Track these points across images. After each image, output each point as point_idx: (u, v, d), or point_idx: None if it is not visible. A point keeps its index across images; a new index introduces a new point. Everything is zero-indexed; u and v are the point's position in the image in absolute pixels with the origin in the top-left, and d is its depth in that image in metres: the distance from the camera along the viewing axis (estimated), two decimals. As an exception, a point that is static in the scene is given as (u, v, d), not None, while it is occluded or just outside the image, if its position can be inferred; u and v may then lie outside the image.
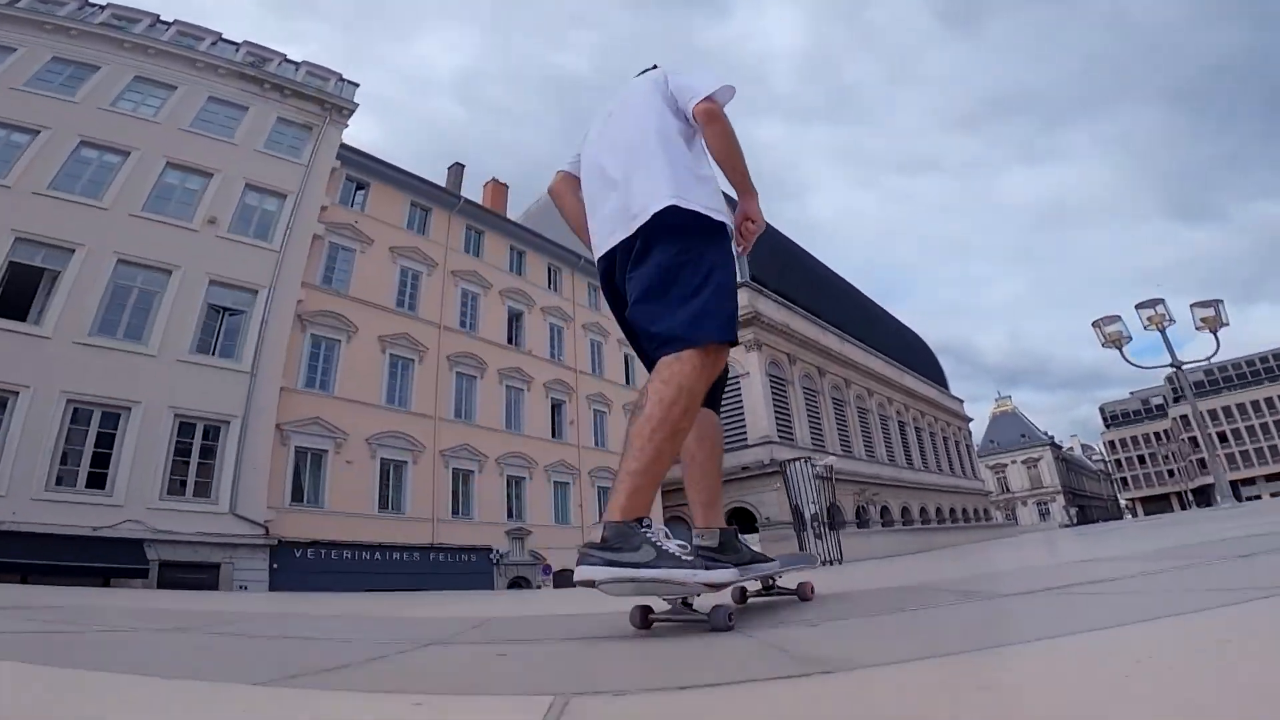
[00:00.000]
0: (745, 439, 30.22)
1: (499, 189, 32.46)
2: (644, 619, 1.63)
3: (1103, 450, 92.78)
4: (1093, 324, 14.18)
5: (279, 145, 19.15)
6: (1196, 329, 12.83)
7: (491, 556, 20.71)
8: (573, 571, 1.61)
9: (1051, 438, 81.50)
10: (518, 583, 22.50)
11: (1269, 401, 71.09)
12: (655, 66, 2.16)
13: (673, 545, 1.54)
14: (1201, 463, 73.95)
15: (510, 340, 24.32)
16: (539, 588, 22.45)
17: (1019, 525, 56.34)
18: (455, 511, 20.04)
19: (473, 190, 29.50)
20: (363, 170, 21.39)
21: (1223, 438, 72.46)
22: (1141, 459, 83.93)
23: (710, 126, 1.87)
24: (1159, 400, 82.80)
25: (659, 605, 1.64)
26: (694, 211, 1.75)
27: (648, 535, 1.51)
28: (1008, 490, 78.23)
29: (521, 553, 22.17)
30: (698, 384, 1.63)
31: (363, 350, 18.56)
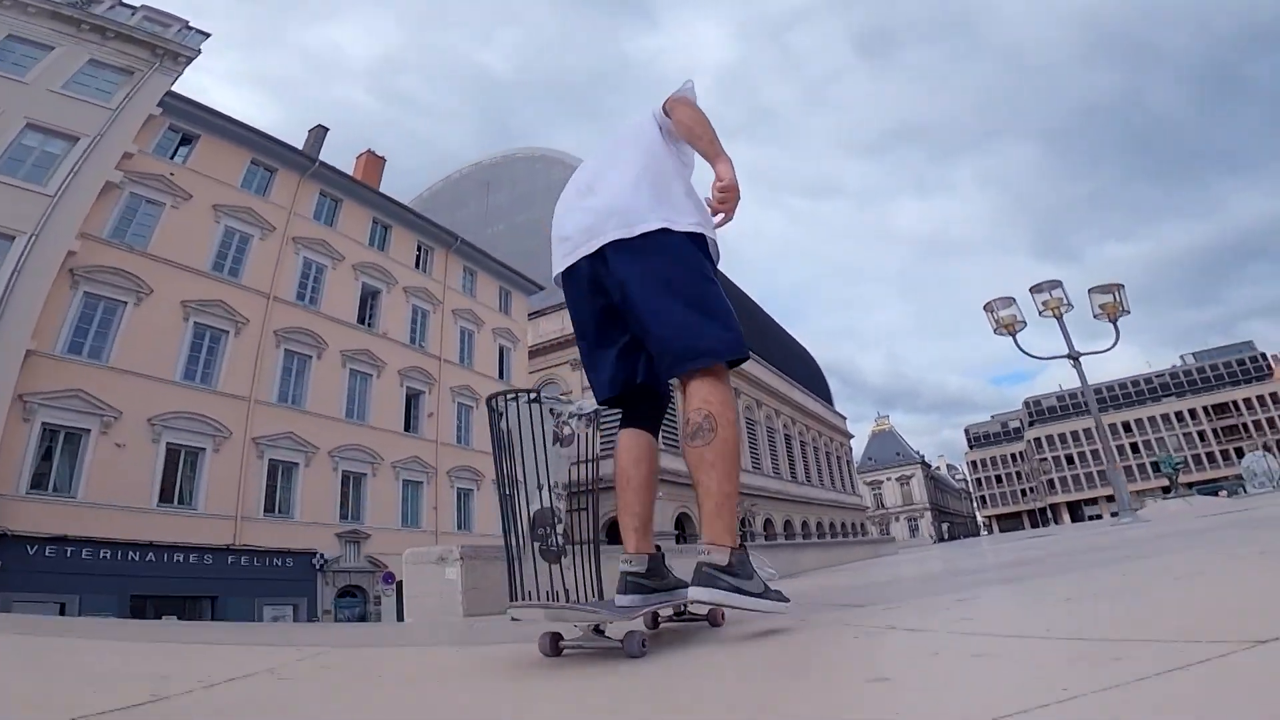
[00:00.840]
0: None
1: (374, 161, 29.71)
2: (554, 646, 1.56)
3: (965, 470, 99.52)
4: (985, 307, 13.16)
5: (84, 88, 16.53)
6: (1095, 317, 12.33)
7: (315, 562, 18.18)
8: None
9: (922, 457, 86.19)
10: (349, 592, 20.00)
11: (1122, 425, 78.51)
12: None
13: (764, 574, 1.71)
14: (1050, 483, 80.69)
15: (362, 320, 21.87)
16: (378, 600, 20.04)
17: (895, 541, 58.61)
18: (270, 509, 17.40)
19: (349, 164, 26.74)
20: (194, 122, 18.52)
21: (1070, 460, 79.38)
22: (999, 479, 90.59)
23: (677, 110, 1.93)
24: (1016, 424, 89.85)
25: (569, 633, 1.60)
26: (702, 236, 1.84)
27: (752, 565, 1.64)
28: (883, 506, 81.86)
29: (356, 558, 19.74)
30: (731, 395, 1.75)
31: (157, 315, 15.65)
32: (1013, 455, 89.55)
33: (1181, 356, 79.81)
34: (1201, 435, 72.67)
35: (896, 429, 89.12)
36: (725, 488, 1.61)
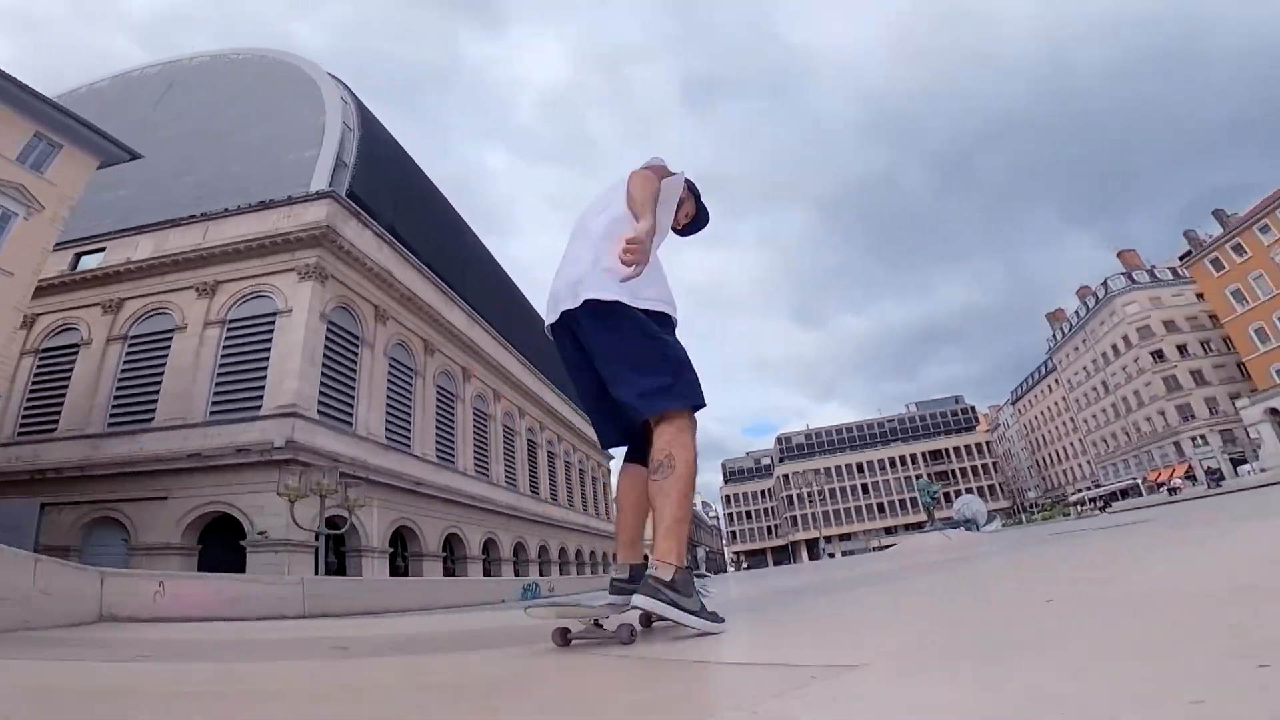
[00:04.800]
0: (258, 407, 18.81)
1: None
2: (564, 638, 2.03)
3: (718, 506, 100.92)
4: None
5: None
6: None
7: None
8: None
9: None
10: None
11: (853, 467, 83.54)
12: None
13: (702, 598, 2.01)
14: (793, 520, 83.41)
15: None
16: None
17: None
18: None
19: None
20: None
21: (810, 498, 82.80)
22: (749, 514, 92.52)
23: (630, 180, 2.19)
24: (768, 461, 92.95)
25: (575, 627, 2.06)
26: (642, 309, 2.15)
27: (695, 586, 1.97)
28: (638, 538, 77.85)
29: None
30: (693, 441, 2.07)
31: None
32: (763, 492, 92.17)
33: (906, 405, 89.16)
34: (919, 478, 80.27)
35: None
36: (676, 514, 1.93)
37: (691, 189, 2.62)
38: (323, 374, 20.07)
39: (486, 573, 28.40)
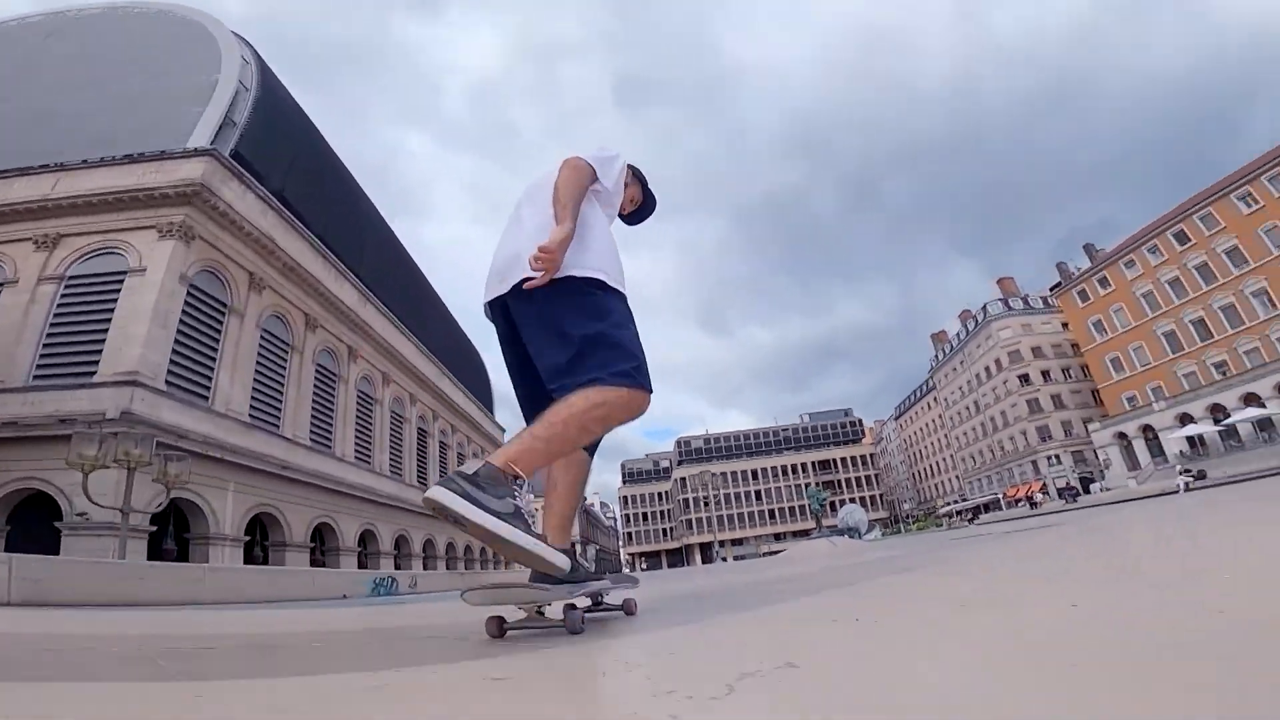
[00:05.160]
0: (92, 374, 16.68)
1: None
2: (499, 628, 1.78)
3: (616, 507, 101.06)
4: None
5: None
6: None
7: None
8: None
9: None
10: None
11: (748, 473, 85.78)
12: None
13: (528, 510, 1.76)
14: (688, 523, 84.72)
15: None
16: None
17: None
18: None
19: None
20: None
21: (706, 502, 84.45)
22: (645, 516, 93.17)
23: (563, 169, 2.05)
24: (667, 464, 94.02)
25: (512, 615, 1.81)
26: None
27: (514, 490, 1.61)
28: (533, 536, 76.68)
29: None
30: (617, 411, 1.82)
31: None
32: (661, 494, 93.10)
33: (800, 416, 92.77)
34: (809, 486, 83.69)
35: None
36: (536, 430, 1.73)
37: (637, 175, 2.53)
38: (177, 341, 18.07)
39: (363, 566, 26.70)
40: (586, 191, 2.07)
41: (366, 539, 27.88)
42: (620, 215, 2.49)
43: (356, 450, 27.47)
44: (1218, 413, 40.81)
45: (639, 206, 2.61)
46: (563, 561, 1.64)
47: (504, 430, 54.21)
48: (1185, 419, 43.34)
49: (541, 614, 1.86)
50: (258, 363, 21.38)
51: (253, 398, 20.84)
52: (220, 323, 19.97)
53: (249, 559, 20.03)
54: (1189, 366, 45.59)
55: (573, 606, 1.74)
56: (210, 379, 19.19)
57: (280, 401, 22.44)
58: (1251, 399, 39.27)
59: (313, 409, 24.34)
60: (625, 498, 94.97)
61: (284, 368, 22.91)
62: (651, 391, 1.90)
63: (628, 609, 2.29)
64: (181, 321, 18.37)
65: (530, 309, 1.97)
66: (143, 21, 27.28)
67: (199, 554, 18.10)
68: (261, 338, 21.75)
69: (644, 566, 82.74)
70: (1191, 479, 29.17)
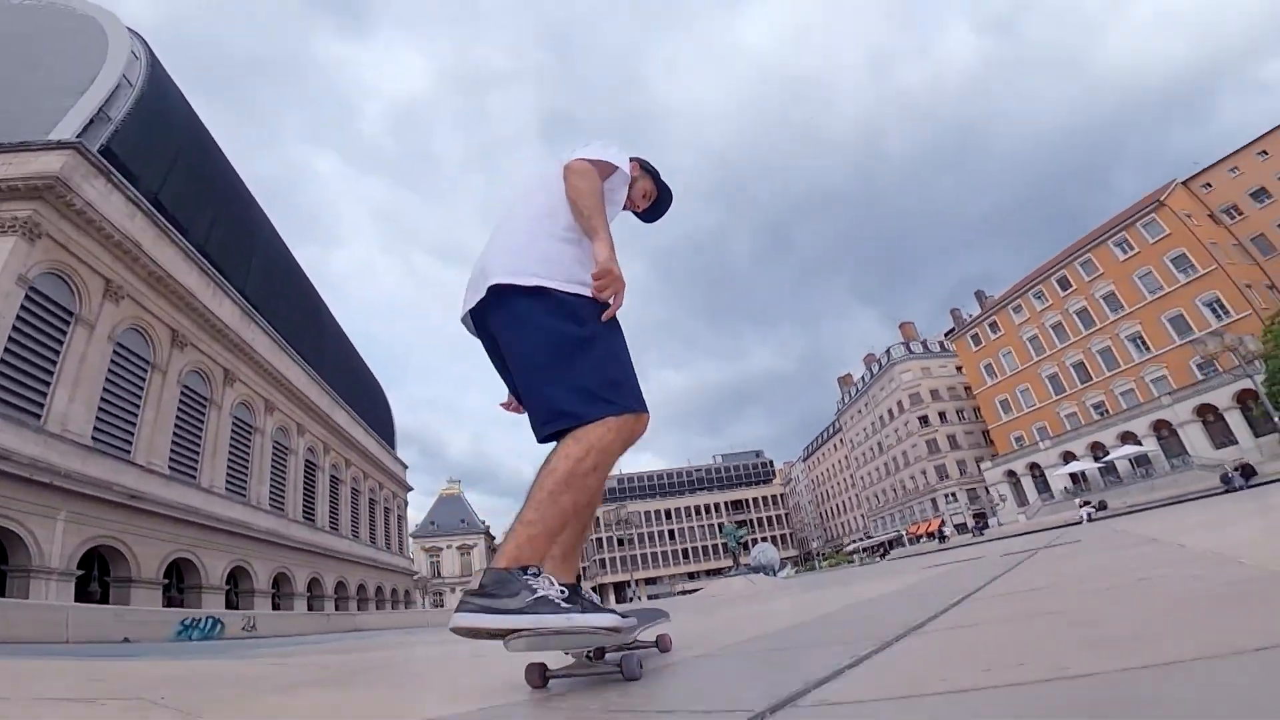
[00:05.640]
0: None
1: None
2: (541, 677, 1.65)
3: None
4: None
5: None
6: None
7: None
8: None
9: (488, 527, 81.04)
10: None
11: (663, 513, 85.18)
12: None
13: (554, 591, 1.53)
14: (601, 563, 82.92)
15: None
16: None
17: (442, 611, 50.02)
18: None
19: None
20: None
21: (620, 542, 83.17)
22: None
23: (570, 177, 1.88)
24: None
25: (558, 661, 1.71)
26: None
27: (528, 581, 1.52)
28: (440, 575, 72.79)
29: None
30: (613, 447, 1.69)
31: None
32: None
33: (713, 457, 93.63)
34: (724, 525, 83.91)
35: (465, 498, 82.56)
36: (526, 515, 1.61)
37: (646, 168, 2.33)
38: (6, 349, 15.98)
39: (232, 606, 24.06)
40: (603, 192, 1.91)
41: (238, 576, 25.30)
42: (636, 212, 2.36)
43: (229, 481, 25.10)
44: (1098, 450, 44.05)
45: (654, 201, 2.37)
46: (609, 622, 1.52)
47: (406, 467, 51.56)
48: (1068, 456, 46.51)
49: (592, 658, 1.74)
50: (108, 380, 19.23)
51: (98, 419, 18.64)
52: (64, 333, 17.89)
53: (83, 596, 17.60)
54: (1070, 407, 49.19)
55: (631, 651, 1.65)
56: (45, 395, 17.03)
57: (134, 424, 20.21)
58: (1128, 437, 42.64)
59: (175, 434, 22.08)
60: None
61: (141, 387, 20.73)
62: (646, 411, 1.79)
63: (662, 645, 2.20)
64: (15, 328, 16.30)
65: (509, 326, 1.83)
66: (33, 12, 25.23)
67: (18, 589, 15.70)
68: (115, 352, 19.64)
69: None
70: (1094, 509, 31.11)
